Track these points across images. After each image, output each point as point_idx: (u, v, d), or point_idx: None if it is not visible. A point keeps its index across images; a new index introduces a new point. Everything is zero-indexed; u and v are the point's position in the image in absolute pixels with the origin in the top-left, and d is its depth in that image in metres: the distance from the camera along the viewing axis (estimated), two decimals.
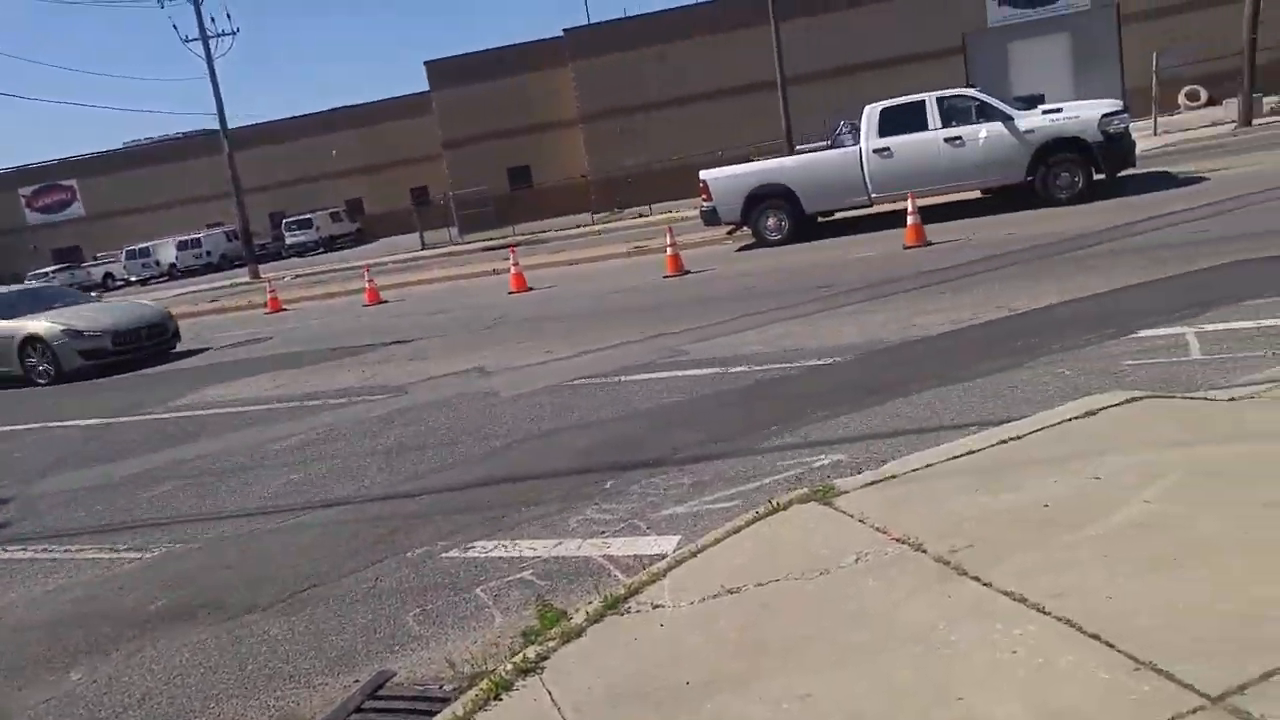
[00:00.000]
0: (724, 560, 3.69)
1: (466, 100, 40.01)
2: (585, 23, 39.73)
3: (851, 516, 3.82)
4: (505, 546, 4.59)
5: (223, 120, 33.92)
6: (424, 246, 34.08)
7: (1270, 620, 2.57)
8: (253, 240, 36.44)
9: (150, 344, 14.46)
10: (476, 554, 4.57)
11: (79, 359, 13.61)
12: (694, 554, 3.79)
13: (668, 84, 36.22)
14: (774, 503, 4.11)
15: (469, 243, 33.39)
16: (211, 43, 33.05)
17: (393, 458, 6.58)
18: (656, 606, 3.42)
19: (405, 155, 46.66)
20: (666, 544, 4.25)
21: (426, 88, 41.96)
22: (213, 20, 37.80)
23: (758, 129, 31.53)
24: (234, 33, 33.64)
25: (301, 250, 45.01)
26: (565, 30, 38.30)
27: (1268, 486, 3.39)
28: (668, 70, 36.20)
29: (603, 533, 4.54)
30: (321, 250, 44.66)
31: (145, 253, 46.31)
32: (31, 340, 13.79)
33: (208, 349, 15.15)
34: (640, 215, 31.72)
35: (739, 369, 7.36)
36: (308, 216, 45.41)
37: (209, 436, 8.34)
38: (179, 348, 15.21)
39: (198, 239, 45.92)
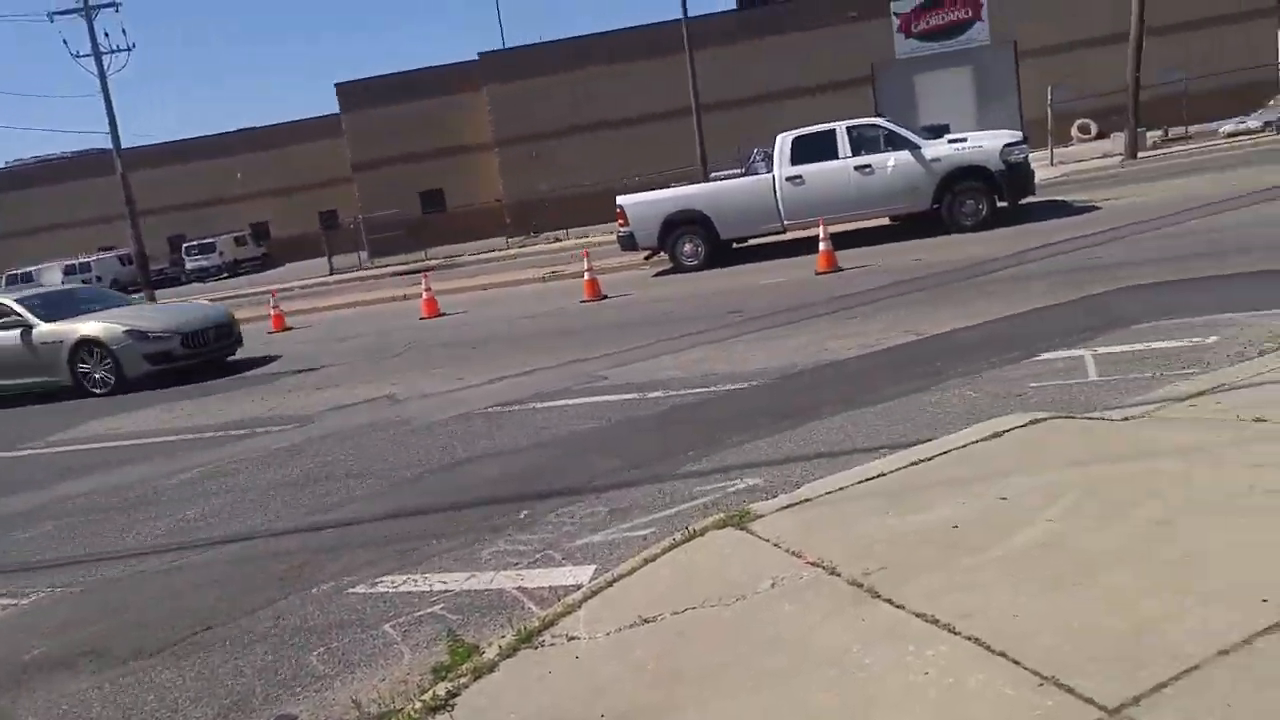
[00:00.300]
0: (640, 589, 3.64)
1: (378, 123, 39.38)
2: (500, 47, 39.59)
3: (767, 541, 3.82)
4: (415, 580, 4.45)
5: (115, 138, 32.54)
6: (333, 271, 33.26)
7: (1159, 634, 2.68)
8: (149, 265, 34.94)
9: (217, 346, 12.96)
10: (385, 588, 4.41)
11: (145, 364, 12.03)
12: (609, 584, 3.74)
13: (583, 109, 36.41)
14: (690, 529, 4.09)
15: (380, 267, 32.78)
16: (106, 59, 31.78)
17: (297, 490, 6.32)
18: (571, 638, 3.35)
19: (314, 178, 45.50)
20: (582, 574, 4.17)
21: (336, 110, 41.17)
22: (106, 35, 36.24)
23: (673, 155, 31.91)
24: (129, 49, 32.40)
25: (203, 275, 43.32)
26: (480, 54, 38.15)
27: (1156, 504, 3.53)
28: (583, 95, 36.41)
29: (516, 564, 4.44)
30: (225, 275, 43.09)
31: (27, 278, 43.60)
32: (87, 344, 12.07)
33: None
34: (556, 240, 31.69)
35: (656, 394, 7.35)
36: (210, 240, 43.77)
37: (97, 472, 7.88)
38: (238, 355, 13.64)
39: (87, 263, 43.46)
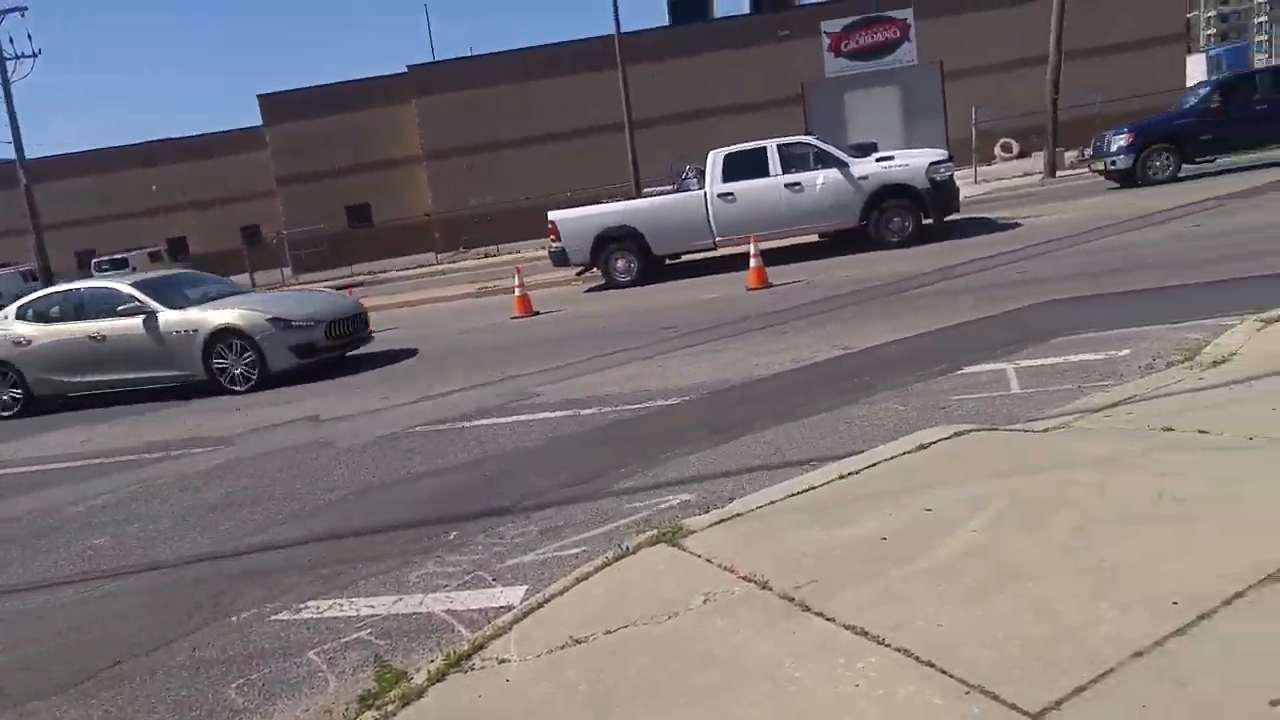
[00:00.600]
0: (572, 609, 3.60)
1: (303, 136, 38.62)
2: (430, 60, 39.22)
3: (699, 557, 3.82)
4: (341, 605, 4.31)
5: (19, 148, 31.15)
6: (255, 287, 32.41)
7: (1078, 639, 2.75)
8: (55, 281, 33.48)
9: (354, 338, 11.83)
10: (309, 614, 4.27)
11: (290, 356, 10.87)
12: (541, 604, 3.68)
13: (515, 123, 36.30)
14: (623, 547, 4.07)
15: (304, 283, 32.10)
16: (10, 65, 30.50)
17: (216, 515, 6.10)
18: (502, 661, 3.29)
19: (235, 192, 44.24)
20: (513, 595, 4.11)
21: (259, 123, 40.25)
22: (11, 41, 34.81)
23: (605, 170, 32.02)
24: (35, 55, 31.13)
25: None
26: (409, 67, 37.78)
27: (1074, 513, 3.63)
28: (515, 110, 36.31)
29: (446, 586, 4.34)
30: None
31: None
32: (224, 334, 10.82)
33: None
34: (487, 255, 31.47)
35: (590, 411, 7.31)
36: (122, 256, 41.84)
37: None
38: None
39: None
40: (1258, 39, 74.47)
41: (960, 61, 35.08)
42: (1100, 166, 19.30)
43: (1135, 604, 2.88)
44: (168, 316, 11.08)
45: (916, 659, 2.79)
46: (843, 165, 14.95)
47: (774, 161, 15.21)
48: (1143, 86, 30.97)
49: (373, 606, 4.24)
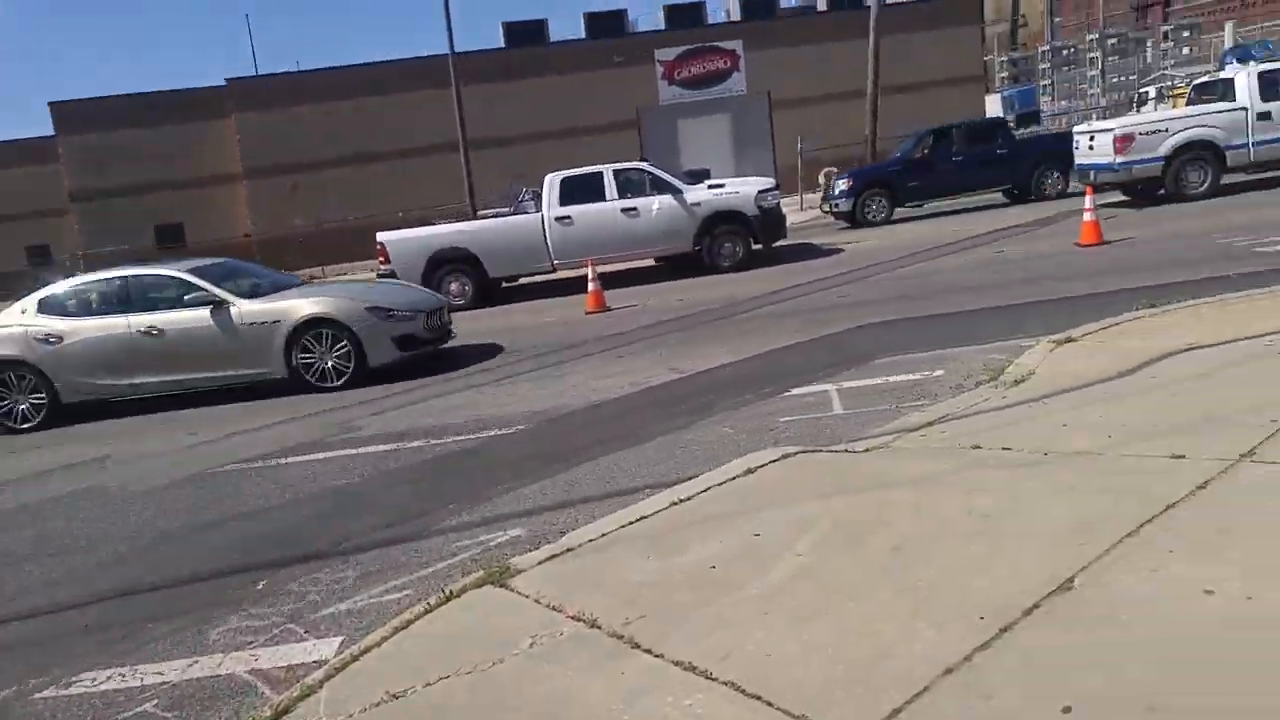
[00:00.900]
0: (390, 661, 3.35)
1: (104, 148, 35.50)
2: (252, 73, 37.23)
3: (528, 597, 3.66)
4: (123, 674, 3.84)
5: None
6: None
7: (895, 658, 2.81)
8: None
9: (444, 332, 10.67)
10: (83, 689, 3.77)
11: (392, 349, 9.71)
12: (356, 657, 3.41)
13: (344, 141, 34.93)
14: (446, 591, 3.85)
15: None
16: None
17: None
18: None
19: (19, 208, 40.05)
20: (327, 648, 3.80)
21: (51, 132, 36.78)
22: None
23: (439, 191, 31.30)
24: None
25: None
26: (228, 79, 35.70)
27: (893, 532, 3.74)
28: (344, 127, 34.96)
29: (251, 643, 3.96)
30: None
31: None
32: (314, 325, 9.55)
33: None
34: (312, 278, 29.98)
35: (416, 443, 6.98)
36: None
37: None
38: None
39: None
40: (1043, 82, 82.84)
41: (787, 92, 36.74)
42: (827, 208, 21.05)
43: (948, 621, 2.96)
44: (242, 307, 9.76)
45: (743, 691, 2.76)
46: (677, 192, 15.25)
47: (610, 186, 15.32)
48: (950, 120, 33.50)
49: (162, 673, 3.80)
